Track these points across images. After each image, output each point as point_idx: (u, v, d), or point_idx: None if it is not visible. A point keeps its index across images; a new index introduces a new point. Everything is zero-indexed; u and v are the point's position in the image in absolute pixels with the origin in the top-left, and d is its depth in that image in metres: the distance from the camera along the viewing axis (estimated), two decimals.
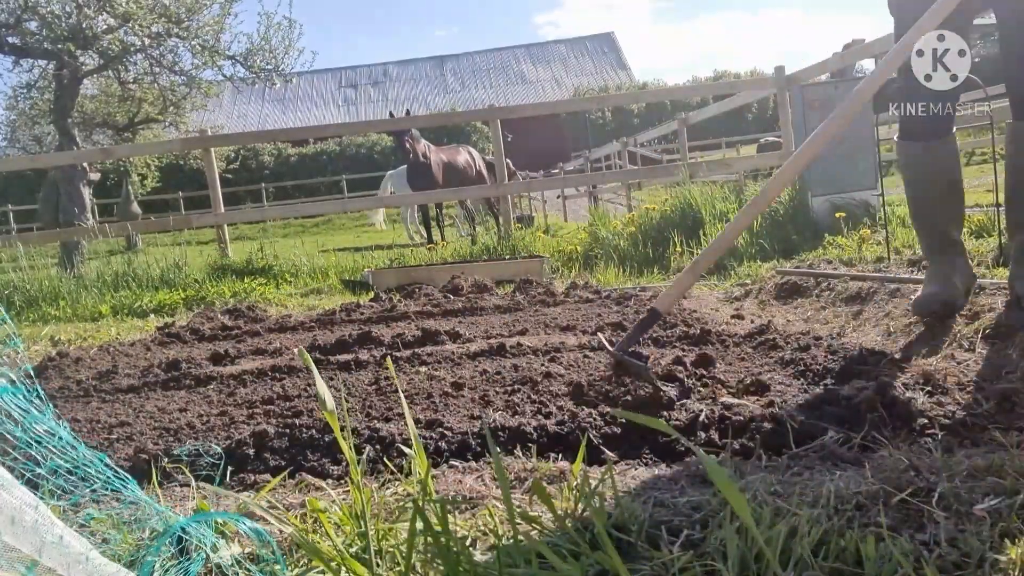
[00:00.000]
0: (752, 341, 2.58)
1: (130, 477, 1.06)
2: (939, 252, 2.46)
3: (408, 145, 9.30)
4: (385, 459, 1.62)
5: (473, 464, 1.61)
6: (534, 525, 1.12)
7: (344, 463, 1.64)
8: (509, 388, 2.18)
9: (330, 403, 1.15)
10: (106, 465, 0.99)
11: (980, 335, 2.15)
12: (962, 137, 12.70)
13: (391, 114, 9.46)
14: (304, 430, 1.79)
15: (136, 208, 19.50)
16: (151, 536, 1.09)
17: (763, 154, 13.70)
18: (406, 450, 1.58)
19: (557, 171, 19.69)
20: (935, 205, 2.47)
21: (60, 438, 0.94)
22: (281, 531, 1.19)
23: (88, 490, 0.99)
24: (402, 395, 1.42)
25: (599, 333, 2.67)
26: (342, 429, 1.16)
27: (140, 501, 1.05)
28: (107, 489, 1.00)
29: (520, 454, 1.62)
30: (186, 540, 1.04)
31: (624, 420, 1.71)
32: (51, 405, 0.95)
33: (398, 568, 1.09)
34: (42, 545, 0.84)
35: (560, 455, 1.62)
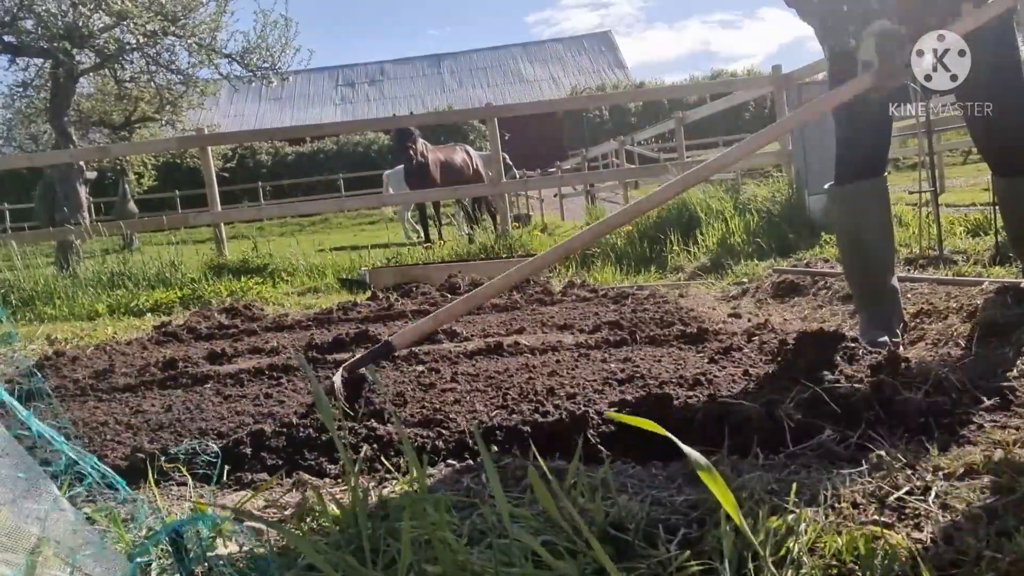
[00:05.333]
0: (749, 339, 2.58)
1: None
2: (877, 301, 2.38)
3: (411, 151, 9.25)
4: (383, 458, 1.62)
5: (471, 462, 1.61)
6: (530, 524, 1.12)
7: (342, 461, 1.64)
8: (506, 386, 2.18)
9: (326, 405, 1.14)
10: (93, 467, 0.99)
11: (976, 333, 2.15)
12: (959, 136, 12.68)
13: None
14: (301, 429, 1.78)
15: (133, 207, 19.43)
16: (147, 534, 1.09)
17: (757, 153, 13.66)
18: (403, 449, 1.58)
19: (554, 170, 19.68)
20: (877, 248, 2.35)
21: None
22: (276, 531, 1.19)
23: (83, 487, 0.99)
24: (383, 398, 1.42)
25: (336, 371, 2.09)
26: (339, 429, 1.16)
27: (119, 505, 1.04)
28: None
29: (517, 452, 1.62)
30: (181, 540, 1.04)
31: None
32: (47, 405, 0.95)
33: (394, 567, 1.08)
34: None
35: (558, 453, 1.62)
